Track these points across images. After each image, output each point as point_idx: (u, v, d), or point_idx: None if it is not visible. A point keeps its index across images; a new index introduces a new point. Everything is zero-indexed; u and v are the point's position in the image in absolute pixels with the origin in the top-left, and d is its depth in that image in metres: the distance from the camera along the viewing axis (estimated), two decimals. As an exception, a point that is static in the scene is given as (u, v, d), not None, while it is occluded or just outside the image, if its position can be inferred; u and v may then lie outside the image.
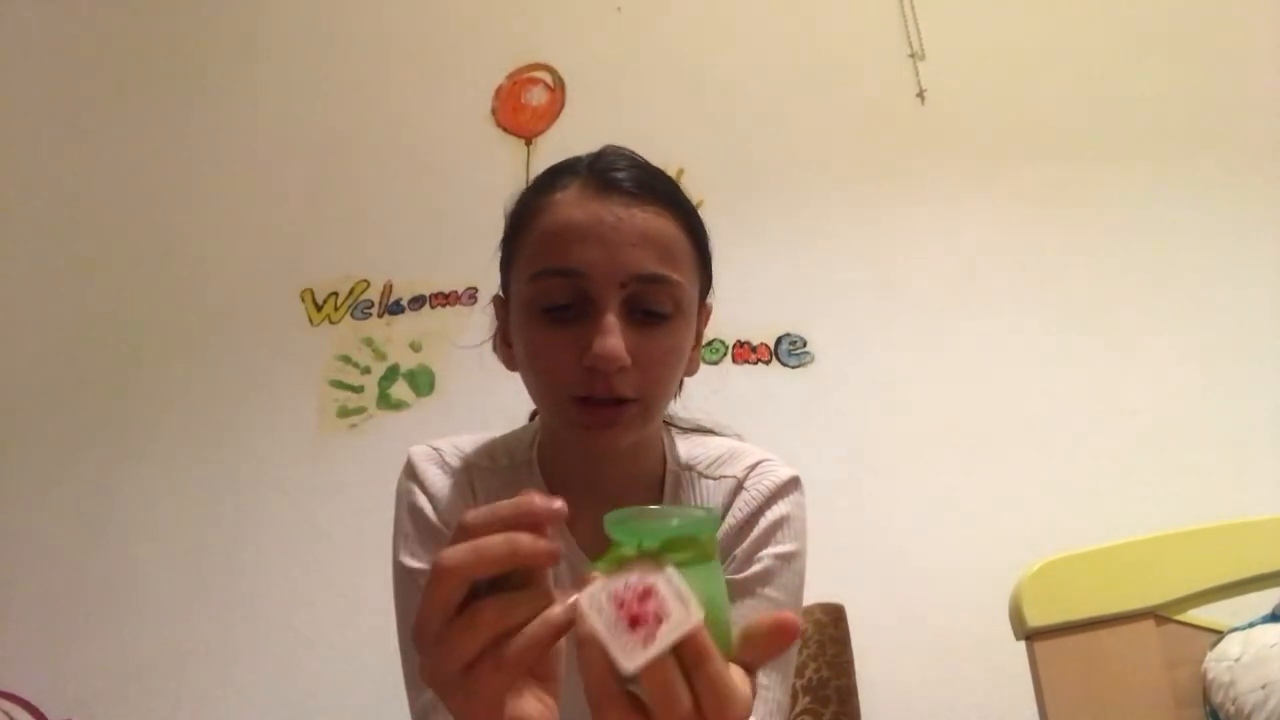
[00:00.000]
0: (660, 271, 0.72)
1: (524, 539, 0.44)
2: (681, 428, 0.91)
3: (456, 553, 0.44)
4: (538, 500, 0.46)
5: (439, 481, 0.81)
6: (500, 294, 0.83)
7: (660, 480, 0.84)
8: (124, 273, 2.07)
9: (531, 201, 0.77)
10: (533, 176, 0.82)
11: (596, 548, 0.83)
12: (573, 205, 0.73)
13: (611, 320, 0.70)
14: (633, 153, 0.80)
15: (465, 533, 0.45)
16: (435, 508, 0.80)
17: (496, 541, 0.44)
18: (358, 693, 1.71)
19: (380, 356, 1.95)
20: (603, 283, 0.70)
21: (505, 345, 0.81)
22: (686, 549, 0.45)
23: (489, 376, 0.89)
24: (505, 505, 0.46)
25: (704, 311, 0.84)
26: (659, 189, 0.76)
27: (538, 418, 0.87)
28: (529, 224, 0.76)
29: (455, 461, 0.83)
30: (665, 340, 0.74)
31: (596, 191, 0.74)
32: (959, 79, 2.00)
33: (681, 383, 0.86)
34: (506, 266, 0.80)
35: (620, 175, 0.75)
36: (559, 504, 0.46)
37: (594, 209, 0.72)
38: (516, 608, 0.44)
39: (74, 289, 2.07)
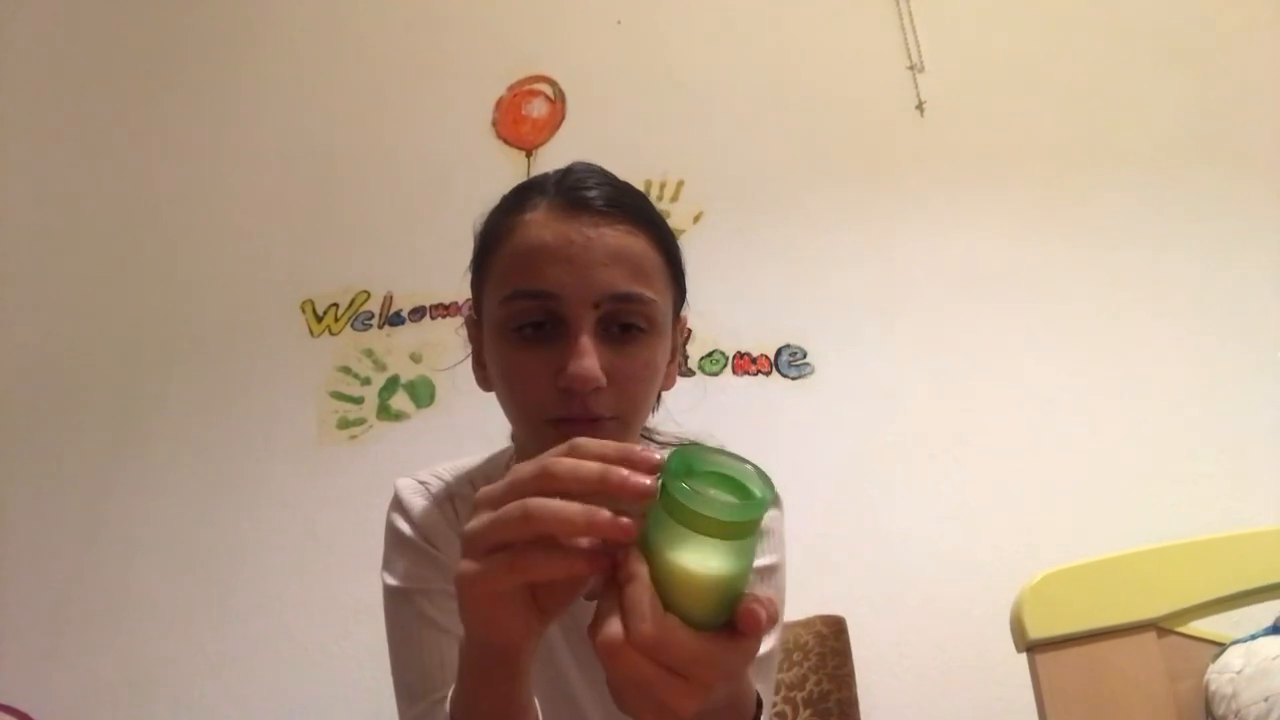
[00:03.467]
0: (633, 290, 0.71)
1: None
2: (660, 443, 0.90)
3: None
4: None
5: (425, 512, 0.82)
6: (473, 315, 0.82)
7: None
8: (124, 282, 2.08)
9: (500, 222, 0.76)
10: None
11: None
12: (542, 225, 0.72)
13: (586, 342, 0.69)
14: (601, 169, 0.78)
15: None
16: (422, 535, 0.81)
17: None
18: (356, 702, 1.70)
19: (380, 368, 1.95)
20: (575, 304, 0.69)
21: (480, 366, 0.80)
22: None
23: (490, 388, 0.89)
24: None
25: (679, 325, 0.83)
26: (628, 206, 0.75)
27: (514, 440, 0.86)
28: (498, 245, 0.75)
29: (439, 491, 0.84)
30: (640, 357, 0.73)
31: (565, 211, 0.72)
32: (958, 91, 2.01)
33: (660, 397, 0.85)
34: (478, 288, 0.79)
35: (589, 194, 0.73)
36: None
37: (563, 229, 0.71)
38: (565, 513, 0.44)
39: (75, 299, 2.07)
